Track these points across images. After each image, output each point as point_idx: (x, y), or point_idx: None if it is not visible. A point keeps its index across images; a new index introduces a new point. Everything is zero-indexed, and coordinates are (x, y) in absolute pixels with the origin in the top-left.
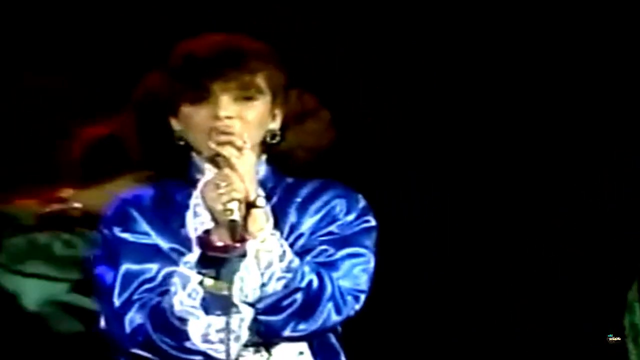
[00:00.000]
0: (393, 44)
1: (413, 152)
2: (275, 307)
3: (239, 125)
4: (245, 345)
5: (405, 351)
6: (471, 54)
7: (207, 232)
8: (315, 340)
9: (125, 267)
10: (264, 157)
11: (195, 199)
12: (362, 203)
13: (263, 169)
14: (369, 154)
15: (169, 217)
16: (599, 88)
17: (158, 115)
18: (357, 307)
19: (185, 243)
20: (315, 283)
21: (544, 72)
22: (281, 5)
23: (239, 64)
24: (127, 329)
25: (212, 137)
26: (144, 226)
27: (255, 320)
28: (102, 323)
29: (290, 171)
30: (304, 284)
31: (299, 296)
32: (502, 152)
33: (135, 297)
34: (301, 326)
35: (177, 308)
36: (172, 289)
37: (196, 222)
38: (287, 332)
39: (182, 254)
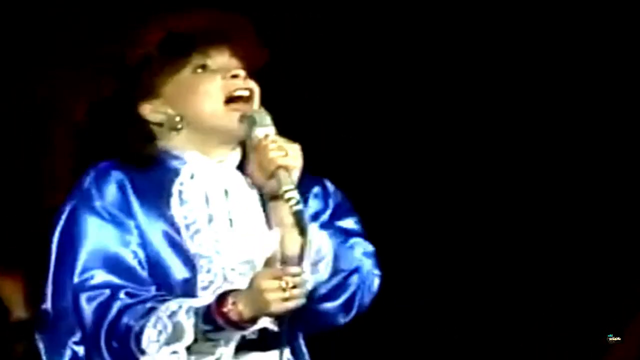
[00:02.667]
0: (384, 44)
1: (405, 152)
2: (331, 293)
3: (252, 85)
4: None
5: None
6: (467, 54)
7: (222, 297)
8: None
9: (92, 246)
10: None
11: (180, 185)
12: (332, 188)
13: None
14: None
15: (152, 194)
16: (599, 88)
17: (131, 99)
18: (376, 290)
19: (173, 225)
20: (356, 262)
21: (542, 73)
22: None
23: (234, 33)
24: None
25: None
26: (127, 200)
27: (307, 314)
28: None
29: None
30: (354, 265)
31: (354, 278)
32: (499, 152)
33: (94, 288)
34: (352, 311)
35: (151, 343)
36: (152, 320)
37: (184, 209)
38: (341, 319)
39: (169, 237)
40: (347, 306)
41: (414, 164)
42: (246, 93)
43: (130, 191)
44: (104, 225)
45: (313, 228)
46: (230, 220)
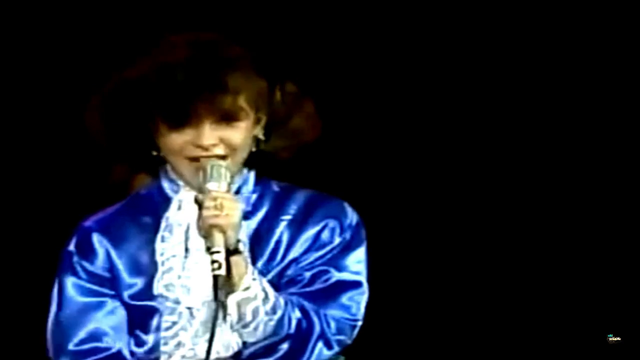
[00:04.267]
0: (384, 40)
1: (402, 151)
2: (264, 352)
3: (224, 149)
4: None
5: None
6: (463, 50)
7: None
8: None
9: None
10: (245, 169)
11: (166, 220)
12: (354, 219)
13: (251, 182)
14: (354, 152)
15: (134, 244)
16: (599, 88)
17: (137, 115)
18: (351, 337)
19: (153, 262)
20: (304, 324)
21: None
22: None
23: (219, 86)
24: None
25: (200, 177)
26: (104, 261)
27: None
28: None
29: (271, 170)
30: (293, 329)
31: (285, 345)
32: (497, 152)
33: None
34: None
35: None
36: None
37: (163, 245)
38: None
39: (148, 276)
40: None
41: (412, 167)
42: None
43: (111, 249)
44: (85, 289)
45: (252, 289)
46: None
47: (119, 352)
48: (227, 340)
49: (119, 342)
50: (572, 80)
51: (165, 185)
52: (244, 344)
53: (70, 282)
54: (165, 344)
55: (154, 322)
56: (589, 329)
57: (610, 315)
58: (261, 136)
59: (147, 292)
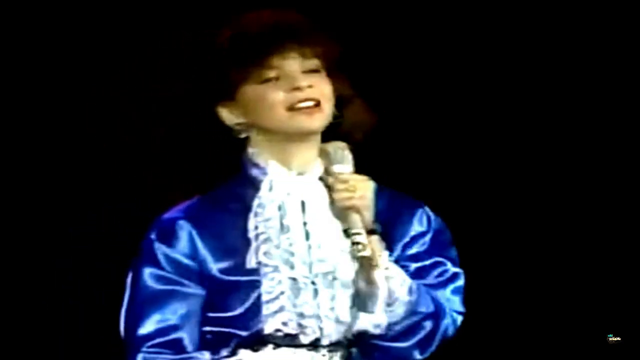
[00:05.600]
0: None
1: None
2: (404, 334)
3: (319, 93)
4: None
5: None
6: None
7: None
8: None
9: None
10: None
11: (258, 199)
12: (433, 214)
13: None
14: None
15: (222, 227)
16: (599, 88)
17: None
18: (456, 328)
19: (246, 239)
20: (437, 304)
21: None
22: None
23: (299, 34)
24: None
25: (294, 118)
26: (186, 246)
27: (378, 347)
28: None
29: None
30: (432, 308)
31: (428, 322)
32: (498, 151)
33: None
34: (430, 348)
35: None
36: None
37: (257, 221)
38: (416, 356)
39: (238, 255)
40: (421, 346)
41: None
42: (308, 104)
43: (195, 235)
44: (160, 277)
45: (391, 269)
46: (307, 232)
47: (179, 340)
48: (378, 318)
49: (182, 330)
50: None
51: (252, 171)
52: (386, 327)
53: (146, 271)
54: (267, 308)
55: (254, 291)
56: (589, 329)
57: (610, 315)
58: (335, 110)
59: (241, 268)
